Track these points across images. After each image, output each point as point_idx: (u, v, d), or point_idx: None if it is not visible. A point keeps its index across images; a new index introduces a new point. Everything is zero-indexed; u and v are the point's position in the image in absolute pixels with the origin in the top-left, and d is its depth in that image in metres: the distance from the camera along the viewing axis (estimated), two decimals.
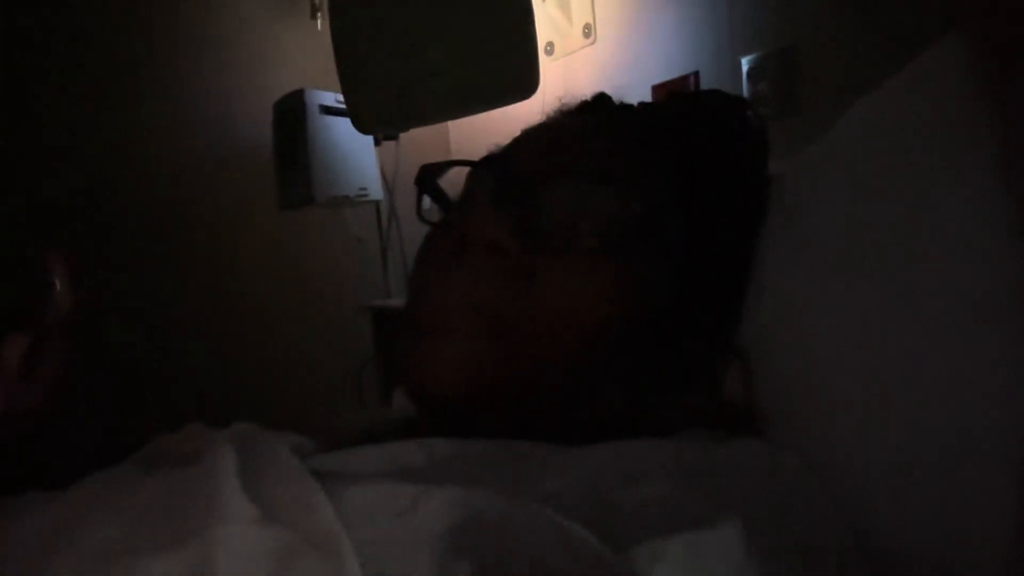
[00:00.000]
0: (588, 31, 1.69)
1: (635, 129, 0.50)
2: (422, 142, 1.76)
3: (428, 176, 0.51)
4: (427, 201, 0.52)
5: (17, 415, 0.50)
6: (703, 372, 0.47)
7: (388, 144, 1.62)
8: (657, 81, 1.54)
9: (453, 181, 0.52)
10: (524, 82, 1.17)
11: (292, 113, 1.54)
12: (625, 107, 0.55)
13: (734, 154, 0.50)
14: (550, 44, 1.77)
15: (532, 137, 0.50)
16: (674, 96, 0.58)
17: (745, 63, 1.38)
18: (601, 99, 0.55)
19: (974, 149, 0.33)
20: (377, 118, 1.36)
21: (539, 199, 0.44)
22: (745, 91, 1.37)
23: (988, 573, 0.29)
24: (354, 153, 1.59)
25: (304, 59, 1.83)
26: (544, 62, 1.21)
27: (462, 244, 0.43)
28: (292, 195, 1.58)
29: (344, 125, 1.45)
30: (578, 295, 0.42)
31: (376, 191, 1.64)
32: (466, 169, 0.51)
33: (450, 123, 2.04)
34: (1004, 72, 0.33)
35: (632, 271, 0.44)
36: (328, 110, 1.55)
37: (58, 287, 0.53)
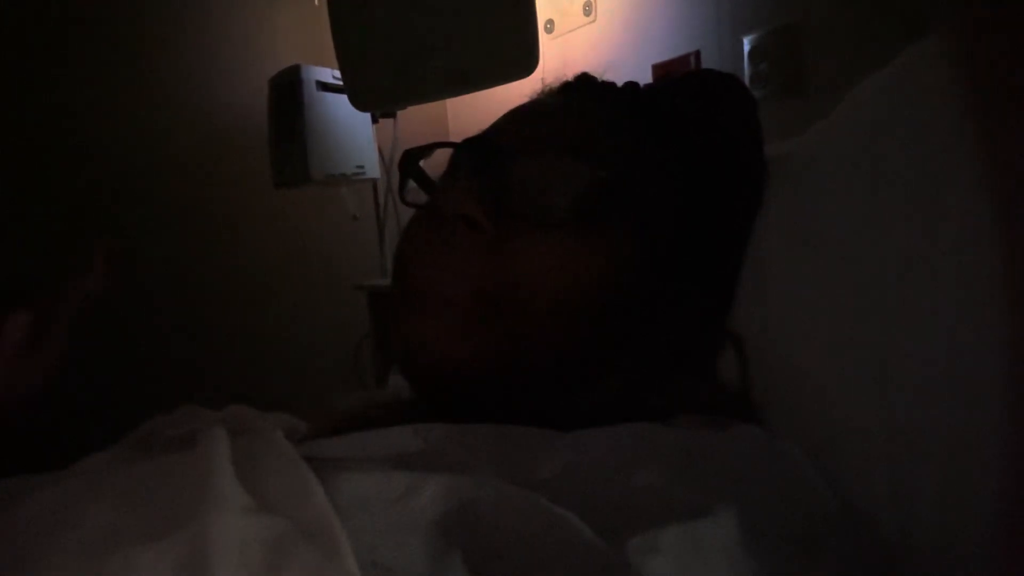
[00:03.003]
0: (588, 9, 1.67)
1: (614, 104, 0.50)
2: (420, 120, 1.75)
3: (411, 160, 0.51)
4: (413, 183, 0.52)
5: (14, 393, 0.49)
6: (697, 357, 0.47)
7: (386, 121, 1.61)
8: (657, 60, 1.52)
9: (441, 164, 0.52)
10: (523, 60, 1.16)
11: (288, 89, 1.52)
12: (608, 85, 0.54)
13: (719, 128, 0.50)
14: (550, 22, 1.75)
15: (512, 116, 0.50)
16: (663, 77, 0.59)
17: (747, 42, 1.36)
18: (584, 79, 0.55)
19: (957, 148, 0.33)
20: (375, 95, 1.35)
21: (513, 174, 0.44)
22: (747, 70, 1.36)
23: (987, 562, 0.29)
24: (351, 130, 1.57)
25: (301, 34, 1.81)
26: (544, 40, 1.20)
27: (439, 222, 0.43)
28: (288, 172, 1.57)
29: (341, 102, 1.44)
30: (555, 268, 0.42)
31: (373, 169, 1.63)
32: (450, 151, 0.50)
33: (448, 101, 2.02)
34: (981, 72, 0.33)
35: (610, 242, 0.43)
36: (325, 86, 1.53)
37: (94, 276, 0.53)
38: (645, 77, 1.53)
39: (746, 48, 1.36)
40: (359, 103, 1.36)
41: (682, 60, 1.48)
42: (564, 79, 0.56)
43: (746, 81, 1.36)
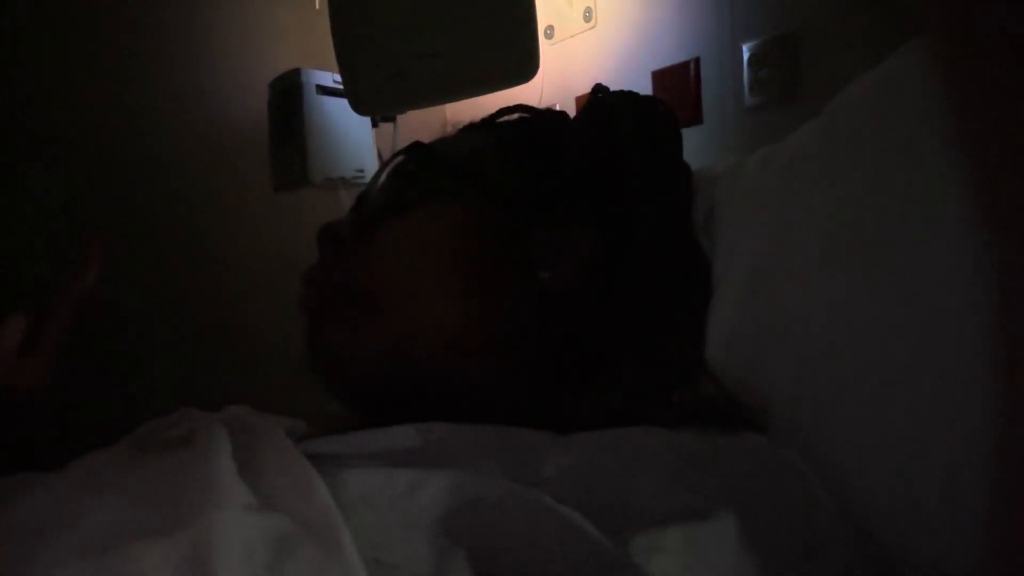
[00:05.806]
0: (588, 15, 1.67)
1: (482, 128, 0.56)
2: (419, 124, 1.75)
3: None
4: None
5: (13, 394, 0.50)
6: (682, 365, 0.47)
7: (385, 126, 1.61)
8: (657, 67, 1.53)
9: None
10: (524, 66, 1.16)
11: (288, 93, 1.52)
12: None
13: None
14: (550, 27, 1.75)
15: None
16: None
17: (747, 49, 1.37)
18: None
19: (946, 148, 0.33)
20: (375, 99, 1.35)
21: (377, 181, 0.52)
22: (746, 77, 1.36)
23: (985, 568, 0.29)
24: (351, 134, 1.57)
25: (301, 38, 1.81)
26: (544, 46, 1.20)
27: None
28: (287, 176, 1.56)
29: (341, 106, 1.44)
30: (414, 244, 0.47)
31: (373, 173, 1.63)
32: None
33: (448, 105, 2.03)
34: (968, 72, 0.33)
35: (460, 213, 0.48)
36: (325, 90, 1.53)
37: (90, 272, 0.54)
38: (645, 83, 1.53)
39: (746, 55, 1.37)
40: (359, 107, 1.36)
41: (682, 67, 1.48)
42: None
43: (746, 88, 1.37)
